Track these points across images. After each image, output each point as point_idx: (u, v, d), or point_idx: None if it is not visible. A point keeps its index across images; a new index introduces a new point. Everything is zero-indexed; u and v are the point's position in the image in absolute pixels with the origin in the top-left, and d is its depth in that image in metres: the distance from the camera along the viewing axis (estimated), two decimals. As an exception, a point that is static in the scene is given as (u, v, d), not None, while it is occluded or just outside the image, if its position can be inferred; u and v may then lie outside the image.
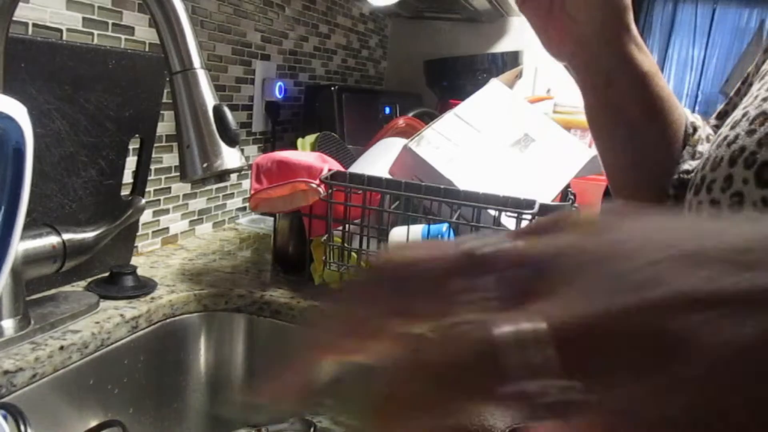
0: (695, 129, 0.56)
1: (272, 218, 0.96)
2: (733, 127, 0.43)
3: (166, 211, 0.99)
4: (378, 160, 0.91)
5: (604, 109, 0.56)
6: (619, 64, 0.53)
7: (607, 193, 1.37)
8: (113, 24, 0.82)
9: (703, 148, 0.55)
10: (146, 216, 0.94)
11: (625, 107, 0.54)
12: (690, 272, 0.15)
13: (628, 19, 0.52)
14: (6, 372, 0.56)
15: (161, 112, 0.84)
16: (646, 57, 0.54)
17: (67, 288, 0.74)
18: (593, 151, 0.88)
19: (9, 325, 0.60)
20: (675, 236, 0.16)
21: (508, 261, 0.17)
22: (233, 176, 1.09)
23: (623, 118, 0.55)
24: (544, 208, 0.73)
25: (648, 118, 0.54)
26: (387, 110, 1.52)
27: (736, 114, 0.44)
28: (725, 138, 0.43)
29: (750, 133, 0.40)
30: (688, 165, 0.55)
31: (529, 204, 0.72)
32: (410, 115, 1.18)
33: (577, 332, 0.15)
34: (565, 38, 0.54)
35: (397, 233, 0.75)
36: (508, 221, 0.74)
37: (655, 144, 0.55)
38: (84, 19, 0.77)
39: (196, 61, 0.54)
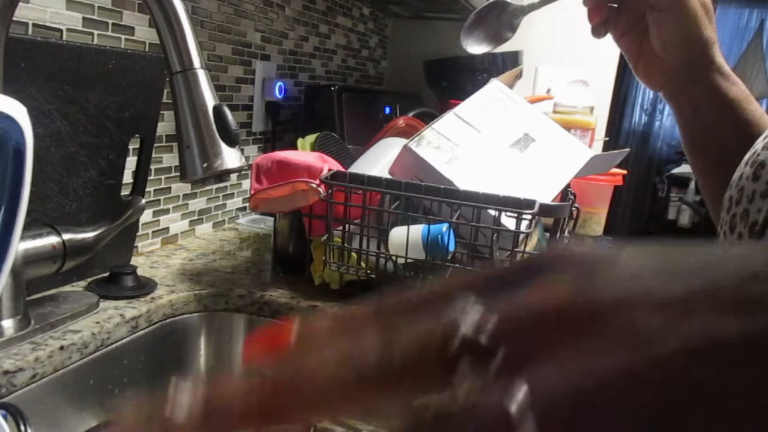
0: None
1: (272, 218, 0.96)
2: None
3: (166, 211, 0.99)
4: (378, 160, 0.91)
5: (694, 133, 0.61)
6: (705, 94, 0.57)
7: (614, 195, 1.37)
8: (113, 24, 0.82)
9: None
10: (146, 216, 0.94)
11: (714, 132, 0.59)
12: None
13: (711, 54, 0.57)
14: (6, 372, 0.56)
15: (161, 112, 0.84)
16: (733, 85, 0.57)
17: (67, 288, 0.74)
18: (593, 151, 0.88)
19: (9, 325, 0.60)
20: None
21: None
22: (233, 176, 1.09)
23: (713, 141, 0.59)
24: (544, 208, 0.73)
25: (737, 142, 0.57)
26: (387, 110, 1.51)
27: None
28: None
29: (765, 138, 0.44)
30: None
31: (529, 204, 0.72)
32: (410, 115, 1.18)
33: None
34: (653, 72, 0.61)
35: (397, 233, 0.75)
36: (508, 221, 0.74)
37: None
38: (84, 19, 0.77)
39: (196, 61, 0.54)
